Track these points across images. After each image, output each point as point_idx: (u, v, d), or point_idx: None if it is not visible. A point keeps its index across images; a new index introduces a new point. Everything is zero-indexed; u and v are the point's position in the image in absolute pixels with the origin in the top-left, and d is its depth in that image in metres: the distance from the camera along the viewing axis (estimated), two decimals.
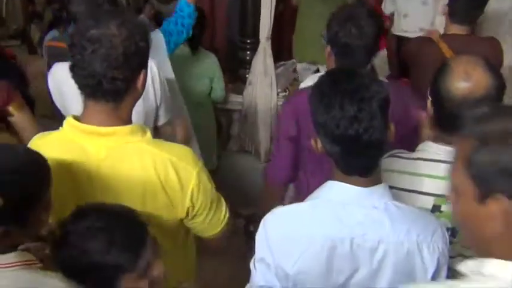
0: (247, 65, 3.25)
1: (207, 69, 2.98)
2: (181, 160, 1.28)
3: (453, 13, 2.27)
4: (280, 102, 3.08)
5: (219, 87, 3.05)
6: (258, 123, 3.17)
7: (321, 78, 1.20)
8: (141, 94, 1.29)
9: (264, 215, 1.22)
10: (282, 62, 3.43)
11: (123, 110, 1.25)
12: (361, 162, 1.13)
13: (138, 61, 1.22)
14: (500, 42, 2.34)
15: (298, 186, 1.84)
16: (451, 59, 1.37)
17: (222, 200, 1.43)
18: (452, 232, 1.34)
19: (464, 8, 2.24)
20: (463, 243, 0.95)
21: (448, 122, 1.32)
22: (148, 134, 1.29)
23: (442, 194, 1.32)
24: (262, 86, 3.15)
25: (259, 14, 3.12)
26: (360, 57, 1.60)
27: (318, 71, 3.19)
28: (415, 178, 1.37)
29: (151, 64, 1.69)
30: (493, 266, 0.83)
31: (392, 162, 1.41)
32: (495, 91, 1.28)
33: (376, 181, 1.16)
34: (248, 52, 3.25)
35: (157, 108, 1.87)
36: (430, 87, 1.39)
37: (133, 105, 1.29)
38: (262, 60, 3.14)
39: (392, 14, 3.46)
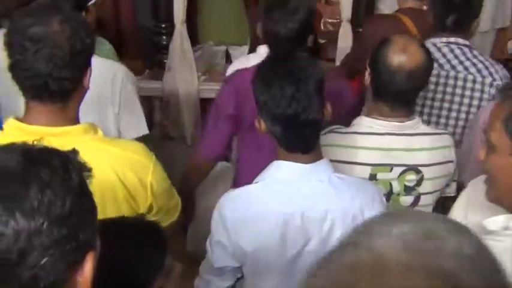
0: (164, 50, 3.20)
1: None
2: (136, 154, 1.28)
3: None
4: (202, 86, 3.09)
5: None
6: (181, 108, 3.17)
7: (263, 60, 1.28)
8: (86, 91, 1.26)
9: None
10: (199, 45, 3.42)
11: (71, 109, 1.21)
12: (301, 139, 1.22)
13: (84, 59, 1.18)
14: None
15: (240, 164, 1.89)
16: (392, 36, 1.49)
17: (174, 189, 1.44)
18: (387, 196, 1.49)
19: None
20: (492, 198, 1.08)
21: (383, 89, 1.46)
22: (100, 132, 1.27)
23: (377, 163, 1.46)
24: (182, 70, 3.14)
25: None
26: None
27: (227, 52, 3.25)
28: (351, 150, 1.49)
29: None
30: None
31: (331, 138, 1.52)
32: (425, 67, 1.44)
33: (318, 157, 1.25)
34: (164, 37, 3.20)
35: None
36: (370, 59, 1.51)
37: (79, 103, 1.26)
38: (179, 45, 3.12)
39: None
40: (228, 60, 3.33)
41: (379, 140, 1.46)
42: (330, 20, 3.93)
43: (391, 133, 1.47)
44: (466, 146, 1.72)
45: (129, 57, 3.21)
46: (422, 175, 1.47)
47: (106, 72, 1.70)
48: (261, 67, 1.25)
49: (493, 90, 1.82)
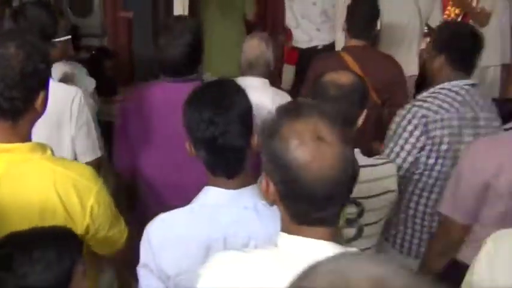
0: None
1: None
2: (81, 177, 1.31)
3: (350, 29, 2.54)
4: None
5: None
6: None
7: (197, 86, 1.33)
8: (41, 114, 1.32)
9: None
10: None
11: (22, 128, 1.27)
12: (223, 164, 1.23)
13: (36, 82, 1.25)
14: (397, 61, 2.60)
15: None
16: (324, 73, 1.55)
17: (120, 216, 1.46)
18: None
19: (358, 25, 2.53)
20: None
21: None
22: (49, 152, 1.32)
23: None
24: None
25: None
26: None
27: None
28: None
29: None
30: None
31: None
32: (357, 85, 1.48)
33: (246, 183, 1.26)
34: None
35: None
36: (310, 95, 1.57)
37: (32, 124, 1.32)
38: None
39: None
40: None
41: None
42: None
43: None
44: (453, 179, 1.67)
45: (128, 84, 3.35)
46: (363, 207, 1.45)
47: (63, 96, 1.78)
48: (191, 93, 1.29)
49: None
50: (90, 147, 1.88)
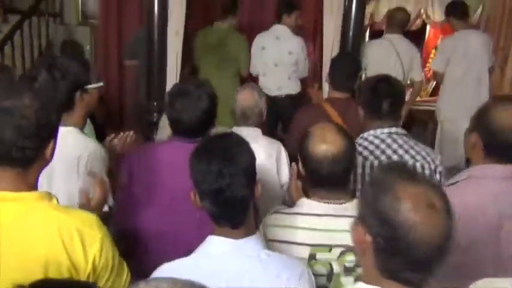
0: (154, 126, 3.34)
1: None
2: (86, 225, 1.32)
3: (333, 81, 2.68)
4: None
5: None
6: None
7: (202, 139, 1.37)
8: (48, 162, 1.35)
9: None
10: None
11: (30, 176, 1.29)
12: (228, 215, 1.27)
13: (48, 131, 1.29)
14: None
15: None
16: (313, 127, 1.59)
17: (125, 265, 1.46)
18: (328, 277, 1.49)
19: (340, 78, 2.66)
20: None
21: (315, 176, 1.54)
22: (54, 201, 1.33)
23: (316, 244, 1.49)
24: None
25: (165, 77, 3.28)
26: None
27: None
28: (292, 230, 1.52)
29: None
30: None
31: (275, 218, 1.57)
32: (347, 149, 1.51)
33: (249, 232, 1.30)
34: (155, 114, 3.36)
35: None
36: (298, 151, 1.59)
37: (39, 172, 1.34)
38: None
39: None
40: None
41: (319, 221, 1.50)
42: None
43: (330, 215, 1.50)
44: None
45: (116, 130, 3.37)
46: None
47: (74, 150, 1.80)
48: (198, 145, 1.34)
49: (437, 176, 1.86)
50: None
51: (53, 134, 1.32)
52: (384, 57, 3.68)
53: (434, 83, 4.31)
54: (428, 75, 4.49)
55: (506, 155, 1.54)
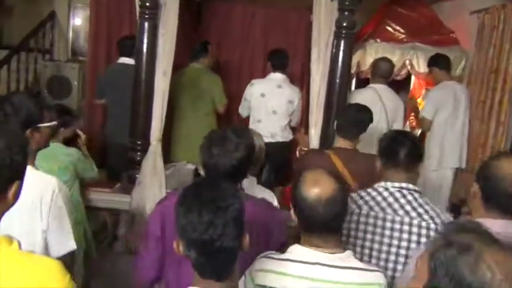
0: (136, 165, 3.29)
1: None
2: (46, 276, 1.24)
3: (340, 130, 2.73)
4: None
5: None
6: (144, 224, 3.16)
7: (188, 186, 1.31)
8: (12, 205, 1.29)
9: None
10: (172, 163, 3.53)
11: None
12: (214, 266, 1.22)
13: (11, 173, 1.24)
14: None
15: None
16: (306, 172, 1.56)
17: None
18: None
19: (344, 126, 2.73)
20: None
21: (308, 222, 1.50)
22: (15, 245, 1.26)
23: None
24: (152, 186, 3.20)
25: (151, 117, 3.26)
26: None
27: (196, 170, 3.36)
28: (281, 277, 1.47)
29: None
30: None
31: (264, 263, 1.52)
32: (340, 194, 1.49)
33: (232, 285, 1.25)
34: (138, 153, 3.32)
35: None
36: (291, 196, 1.56)
37: (3, 214, 1.28)
38: (152, 162, 3.22)
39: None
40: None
41: (309, 270, 1.46)
42: (304, 149, 4.11)
43: (322, 263, 1.46)
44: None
45: (99, 167, 3.32)
46: None
47: (37, 188, 1.74)
48: (185, 192, 1.28)
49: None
50: (62, 241, 1.80)
51: (18, 176, 1.26)
52: (369, 105, 3.72)
53: (420, 131, 4.37)
54: (413, 123, 4.55)
55: (504, 206, 1.55)
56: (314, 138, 3.28)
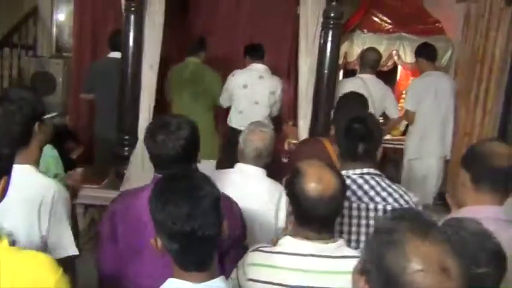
0: (124, 160, 3.26)
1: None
2: (37, 270, 1.23)
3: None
4: None
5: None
6: None
7: (159, 179, 1.29)
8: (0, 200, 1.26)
9: None
10: None
11: None
12: (197, 257, 1.20)
13: None
14: None
15: None
16: (303, 164, 1.53)
17: None
18: None
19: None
20: None
21: (306, 217, 1.47)
22: (5, 242, 1.24)
23: (298, 285, 1.43)
24: (139, 181, 3.15)
25: (137, 111, 3.23)
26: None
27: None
28: (273, 270, 1.45)
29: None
30: None
31: (255, 256, 1.50)
32: (341, 191, 1.47)
33: (213, 275, 1.23)
34: (126, 148, 3.28)
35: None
36: (287, 188, 1.53)
37: None
38: (140, 157, 3.19)
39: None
40: None
41: (301, 261, 1.44)
42: (293, 141, 4.10)
43: (315, 255, 1.45)
44: None
45: (87, 164, 3.28)
46: None
47: (35, 191, 1.69)
48: (156, 186, 1.25)
49: None
50: (63, 245, 1.75)
51: (4, 171, 1.23)
52: None
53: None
54: (400, 114, 4.57)
55: (496, 182, 1.54)
56: (303, 130, 3.27)
